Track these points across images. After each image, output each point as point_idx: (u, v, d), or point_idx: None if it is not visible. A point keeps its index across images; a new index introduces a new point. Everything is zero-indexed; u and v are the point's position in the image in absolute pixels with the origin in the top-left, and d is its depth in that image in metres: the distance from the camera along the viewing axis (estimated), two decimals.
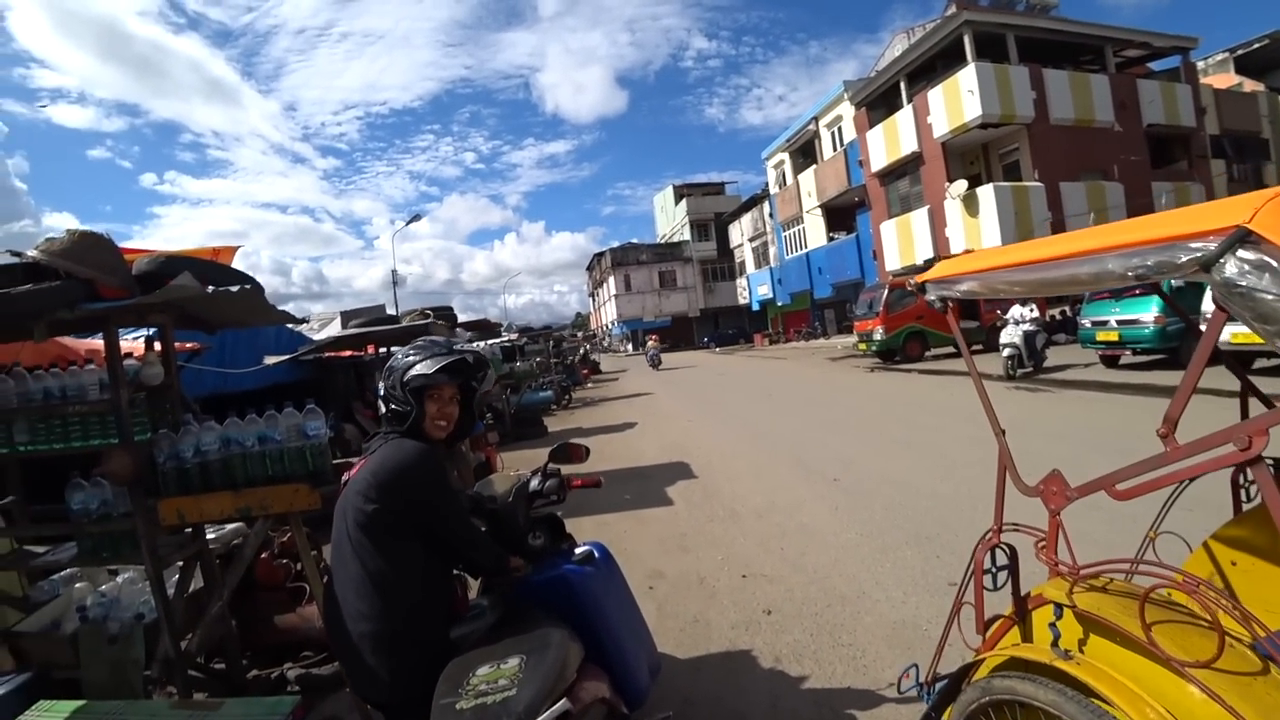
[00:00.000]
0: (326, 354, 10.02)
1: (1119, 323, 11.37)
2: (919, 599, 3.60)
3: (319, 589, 2.88)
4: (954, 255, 21.01)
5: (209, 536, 3.18)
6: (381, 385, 2.10)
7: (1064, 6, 29.54)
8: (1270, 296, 1.10)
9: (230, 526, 3.53)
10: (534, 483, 2.58)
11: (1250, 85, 29.70)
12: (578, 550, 2.43)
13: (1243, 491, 2.16)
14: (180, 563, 3.02)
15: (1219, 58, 31.45)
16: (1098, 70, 24.67)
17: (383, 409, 2.11)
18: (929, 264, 21.40)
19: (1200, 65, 29.03)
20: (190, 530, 3.02)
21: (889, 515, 5.11)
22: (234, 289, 2.57)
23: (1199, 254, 1.20)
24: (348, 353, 9.41)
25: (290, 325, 8.50)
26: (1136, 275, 1.36)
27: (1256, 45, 30.35)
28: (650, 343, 35.28)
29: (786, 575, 4.19)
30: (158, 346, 3.15)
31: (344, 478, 2.08)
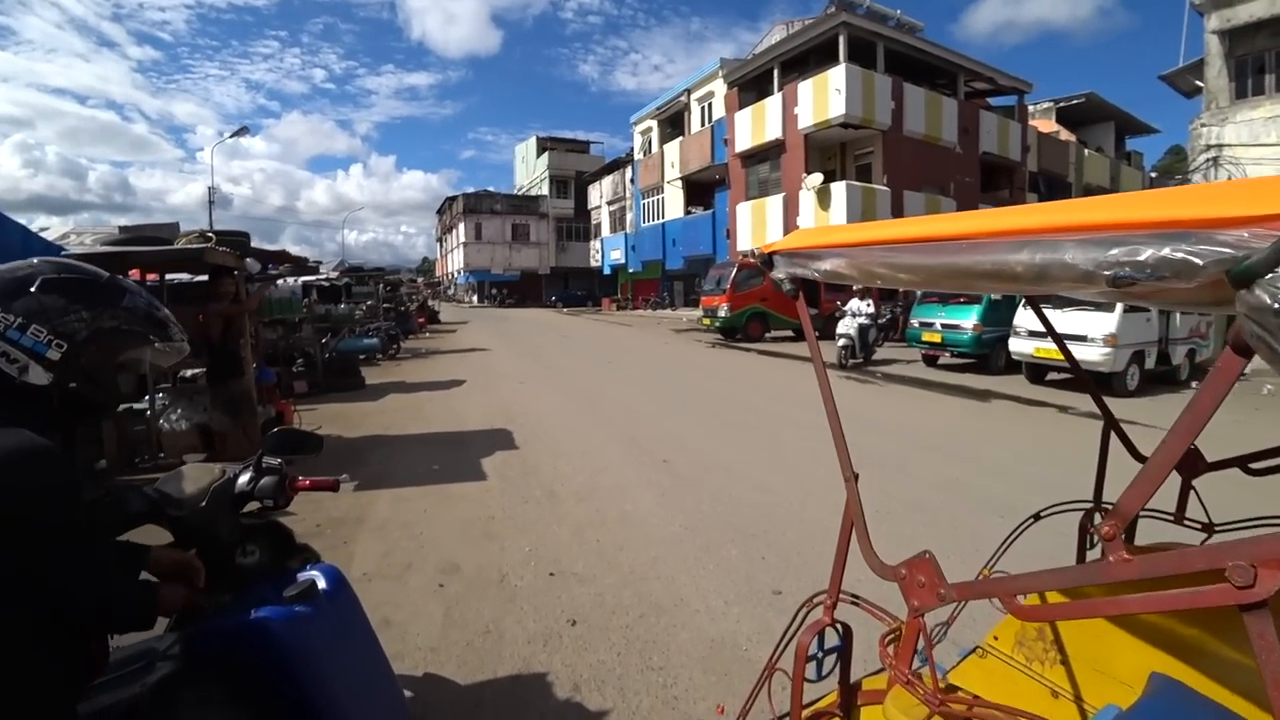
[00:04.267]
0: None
1: (943, 326, 12.10)
2: (740, 610, 3.23)
3: None
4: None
5: None
6: (27, 324, 1.24)
7: (926, 33, 31.26)
8: None
9: None
10: (243, 480, 1.85)
11: (1066, 135, 33.45)
12: (300, 577, 1.75)
13: (1089, 538, 1.85)
14: None
15: (1044, 106, 35.03)
16: (949, 94, 26.45)
17: None
18: None
19: (1030, 109, 32.10)
20: None
21: (716, 506, 4.77)
22: None
23: (1233, 254, 0.69)
24: (135, 274, 7.74)
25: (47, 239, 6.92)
26: (1113, 277, 0.81)
27: (1076, 101, 34.33)
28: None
29: (599, 574, 3.70)
30: None
31: None
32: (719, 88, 31.59)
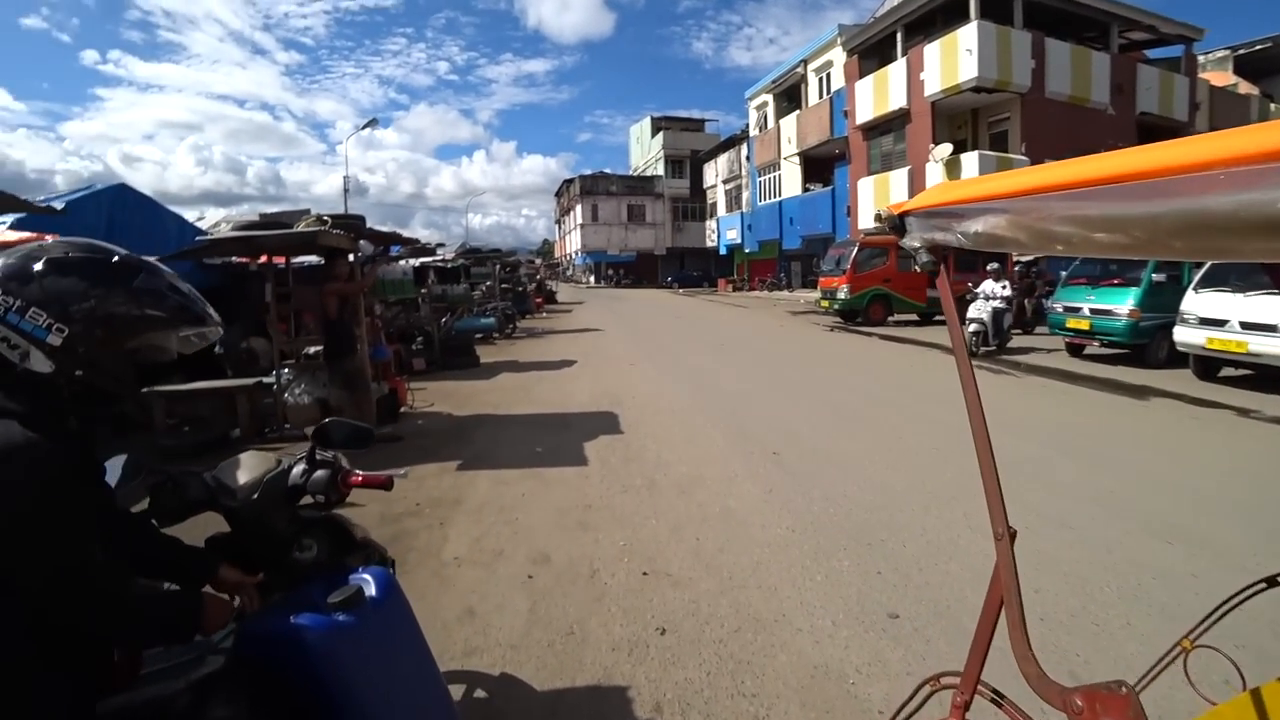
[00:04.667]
0: (236, 260, 8.87)
1: (1092, 311, 10.79)
2: (849, 634, 2.87)
3: None
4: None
5: None
6: (26, 307, 1.14)
7: None
8: None
9: None
10: (295, 472, 1.73)
11: (1245, 87, 28.92)
12: (351, 579, 1.61)
13: None
14: None
15: (1219, 55, 30.48)
16: (1100, 48, 23.72)
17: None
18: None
19: (1200, 59, 28.12)
20: None
21: (829, 507, 4.37)
22: None
23: None
24: (264, 258, 8.22)
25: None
26: None
27: (1259, 47, 29.49)
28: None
29: (696, 578, 3.43)
30: None
31: None
32: (838, 56, 30.05)
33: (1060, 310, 11.64)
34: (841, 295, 18.20)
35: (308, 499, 1.79)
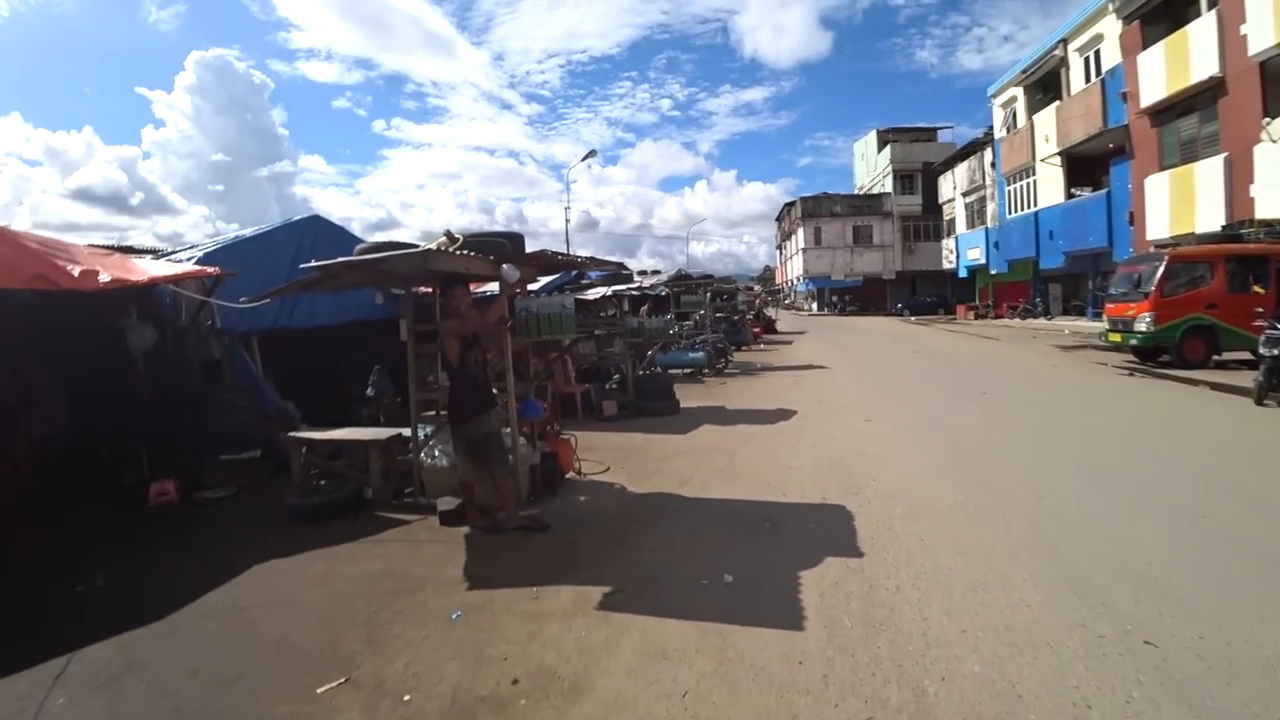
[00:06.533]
0: (420, 289, 8.04)
1: None
2: None
3: None
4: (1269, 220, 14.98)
5: None
6: None
7: None
8: None
9: None
10: None
11: None
12: None
13: None
14: None
15: None
16: None
17: None
18: (1228, 233, 15.53)
19: None
20: None
21: None
22: None
23: None
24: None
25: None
26: None
27: None
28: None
29: None
30: None
31: None
32: (1109, 27, 24.62)
33: None
34: (1143, 326, 13.91)
35: None
